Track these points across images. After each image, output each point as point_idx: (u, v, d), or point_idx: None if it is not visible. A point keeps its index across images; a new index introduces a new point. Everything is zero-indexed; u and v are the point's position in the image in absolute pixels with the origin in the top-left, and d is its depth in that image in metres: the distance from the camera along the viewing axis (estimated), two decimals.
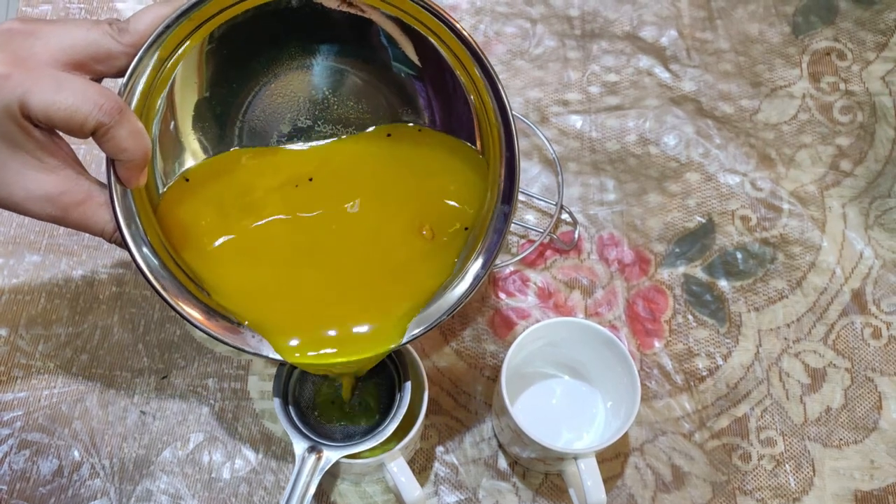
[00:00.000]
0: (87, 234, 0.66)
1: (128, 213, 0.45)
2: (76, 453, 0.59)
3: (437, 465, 0.60)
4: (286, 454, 0.59)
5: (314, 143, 0.52)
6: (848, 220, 0.69)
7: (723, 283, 0.67)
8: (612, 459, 0.60)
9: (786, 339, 0.64)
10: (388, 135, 0.52)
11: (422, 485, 0.59)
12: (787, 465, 0.60)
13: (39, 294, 0.65)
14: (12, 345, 0.63)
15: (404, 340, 0.49)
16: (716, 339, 0.64)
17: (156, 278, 0.46)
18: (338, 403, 0.55)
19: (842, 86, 0.75)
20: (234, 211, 0.51)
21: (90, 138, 0.42)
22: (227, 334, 0.48)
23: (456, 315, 0.63)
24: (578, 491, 0.53)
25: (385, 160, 0.52)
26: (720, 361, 0.64)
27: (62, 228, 0.67)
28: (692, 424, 0.61)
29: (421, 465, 0.60)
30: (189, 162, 0.50)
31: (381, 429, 0.51)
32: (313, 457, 0.49)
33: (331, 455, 0.49)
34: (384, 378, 0.54)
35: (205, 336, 0.63)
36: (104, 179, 0.44)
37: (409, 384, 0.52)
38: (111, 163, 0.43)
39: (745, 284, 0.67)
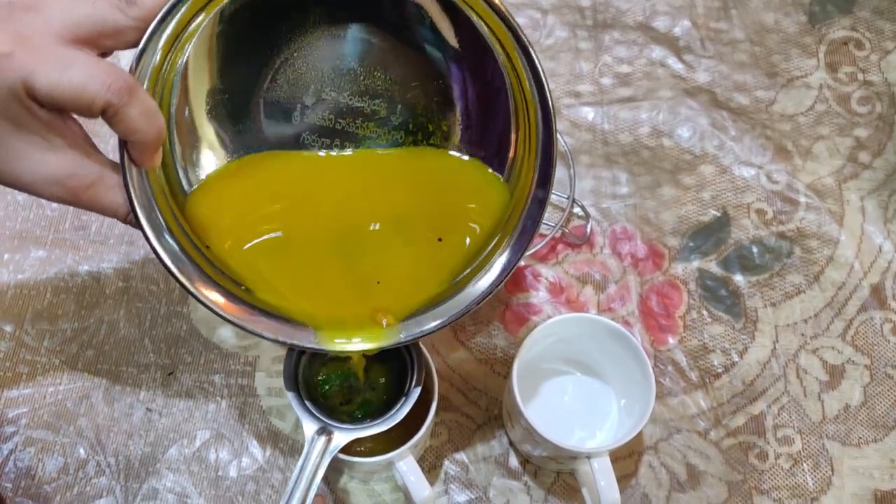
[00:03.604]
0: (93, 229, 0.66)
1: (143, 194, 0.43)
2: (82, 451, 0.58)
3: (446, 463, 0.59)
4: (294, 452, 0.59)
5: (342, 152, 0.49)
6: (866, 213, 0.68)
7: (738, 278, 0.65)
8: (626, 458, 0.59)
9: (803, 335, 0.63)
10: (413, 152, 0.50)
11: (431, 483, 0.58)
12: (804, 464, 0.59)
13: (45, 289, 0.64)
14: (18, 340, 0.62)
15: (430, 328, 0.48)
16: (731, 335, 0.63)
17: (173, 262, 0.44)
18: (349, 387, 0.53)
19: (860, 76, 0.74)
20: (264, 213, 0.49)
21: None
22: (246, 318, 0.47)
23: None
24: (591, 490, 0.52)
25: (409, 176, 0.50)
26: (736, 358, 0.62)
27: (67, 223, 0.66)
28: (707, 422, 0.60)
29: (430, 464, 0.59)
30: (208, 150, 0.48)
31: (392, 412, 0.49)
32: (323, 439, 0.47)
33: (341, 437, 0.48)
34: (396, 363, 0.53)
35: (211, 331, 0.62)
36: (117, 158, 0.43)
37: (421, 368, 0.50)
38: (124, 143, 0.42)
39: (762, 279, 0.65)
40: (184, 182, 0.48)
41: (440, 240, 0.49)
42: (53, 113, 0.41)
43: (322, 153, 0.49)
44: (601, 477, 0.51)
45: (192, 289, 0.45)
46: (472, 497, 0.58)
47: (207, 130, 0.48)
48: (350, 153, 0.49)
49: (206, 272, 0.46)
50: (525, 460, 0.59)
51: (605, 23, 0.76)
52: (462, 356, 0.62)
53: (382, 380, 0.54)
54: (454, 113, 0.49)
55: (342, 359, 0.53)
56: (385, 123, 0.49)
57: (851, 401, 0.61)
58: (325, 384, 0.54)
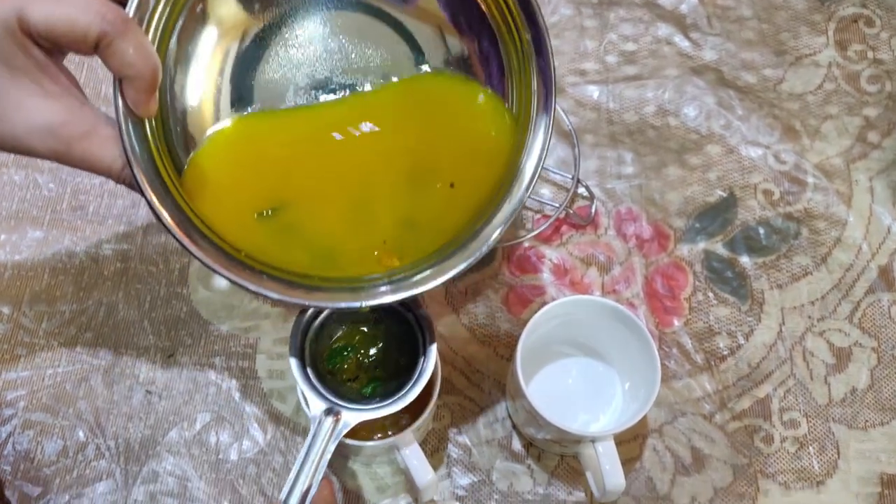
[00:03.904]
0: (91, 209, 0.65)
1: (138, 149, 0.42)
2: (81, 434, 0.58)
3: (450, 446, 0.58)
4: (295, 435, 0.58)
5: (335, 97, 0.48)
6: (875, 193, 0.67)
7: (744, 260, 0.64)
8: (630, 441, 0.58)
9: (810, 317, 0.62)
10: (409, 85, 0.49)
11: (434, 466, 0.57)
12: (810, 448, 0.58)
13: (43, 270, 0.63)
14: (15, 322, 0.61)
15: (462, 268, 0.46)
16: (737, 318, 0.62)
17: (170, 217, 0.43)
18: (357, 363, 0.52)
19: (870, 54, 0.72)
20: (266, 174, 0.47)
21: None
22: (248, 277, 0.44)
23: (469, 292, 0.62)
24: (596, 474, 0.52)
25: (409, 113, 0.49)
26: (742, 340, 0.62)
27: (65, 203, 0.66)
28: (713, 405, 0.59)
29: (433, 447, 0.58)
30: (207, 120, 0.47)
31: (403, 393, 0.47)
32: (330, 419, 0.45)
33: (349, 418, 0.45)
34: (407, 341, 0.50)
35: (211, 313, 0.62)
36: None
37: (434, 348, 0.48)
38: (119, 86, 0.41)
39: (768, 261, 0.64)
40: (180, 150, 0.46)
41: (452, 185, 0.48)
42: (47, 55, 0.40)
43: (321, 98, 0.48)
44: (605, 461, 0.50)
45: (193, 249, 0.43)
46: (475, 480, 0.57)
47: (204, 92, 0.46)
48: (348, 97, 0.48)
49: (202, 231, 0.44)
50: (528, 443, 0.58)
51: (610, 0, 0.74)
52: (465, 339, 0.61)
53: (395, 353, 0.52)
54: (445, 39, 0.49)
55: (352, 332, 0.52)
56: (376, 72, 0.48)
57: (858, 384, 0.60)
58: (333, 359, 0.52)
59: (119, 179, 0.43)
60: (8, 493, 0.56)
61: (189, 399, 0.59)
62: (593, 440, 0.51)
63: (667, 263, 0.64)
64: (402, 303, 0.49)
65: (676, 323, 0.62)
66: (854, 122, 0.69)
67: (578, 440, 0.52)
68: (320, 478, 0.43)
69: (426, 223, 0.48)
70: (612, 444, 0.51)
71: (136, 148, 0.42)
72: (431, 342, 0.48)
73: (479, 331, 0.62)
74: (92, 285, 0.63)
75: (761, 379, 0.60)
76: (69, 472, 0.57)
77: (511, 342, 0.61)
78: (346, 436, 0.51)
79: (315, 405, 0.46)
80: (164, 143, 0.45)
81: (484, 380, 0.60)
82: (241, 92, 0.47)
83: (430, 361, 0.48)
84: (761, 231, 0.65)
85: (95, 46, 0.39)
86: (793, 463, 0.58)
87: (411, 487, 0.54)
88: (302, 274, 0.47)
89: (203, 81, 0.46)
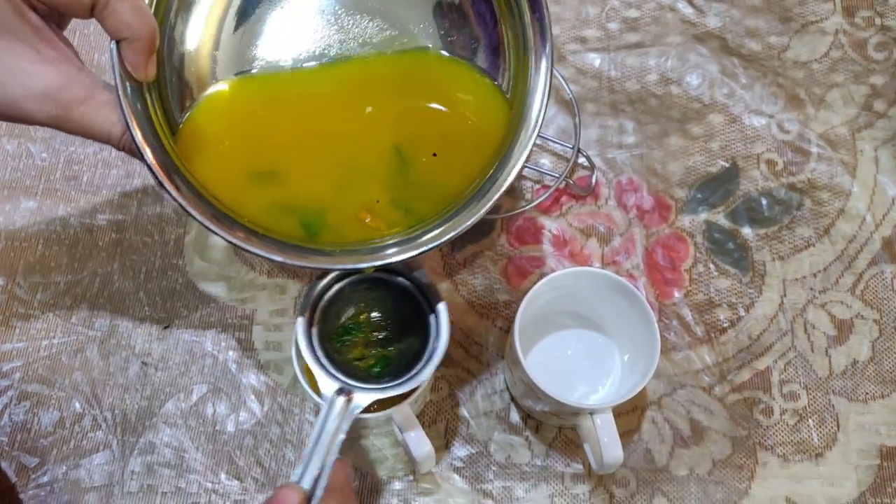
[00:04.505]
0: (85, 179, 0.64)
1: (137, 112, 0.41)
2: (77, 405, 0.58)
3: (447, 418, 0.58)
4: (292, 406, 0.58)
5: (330, 62, 0.48)
6: (880, 163, 0.66)
7: (746, 231, 0.64)
8: (629, 413, 0.58)
9: (812, 289, 0.62)
10: (404, 57, 0.49)
11: (432, 438, 0.57)
12: (810, 420, 0.58)
13: (37, 241, 0.63)
14: (10, 293, 0.61)
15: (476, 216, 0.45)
16: (738, 289, 0.62)
17: (171, 182, 0.42)
18: (365, 342, 0.51)
19: (877, 20, 0.71)
20: (258, 138, 0.47)
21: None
22: (246, 239, 0.43)
23: (467, 263, 0.61)
24: (594, 446, 0.52)
25: (402, 81, 0.49)
26: (742, 312, 0.61)
27: (58, 173, 0.65)
28: (712, 377, 0.59)
29: (431, 419, 0.58)
30: (202, 83, 0.46)
31: (415, 373, 0.46)
32: (342, 399, 0.44)
33: (361, 398, 0.45)
34: (415, 320, 0.49)
35: (208, 284, 0.61)
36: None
37: (445, 326, 0.47)
38: (117, 48, 0.40)
39: (770, 232, 0.64)
40: (176, 113, 0.45)
41: (434, 155, 0.47)
42: (45, 19, 0.39)
43: (315, 64, 0.47)
44: (604, 433, 0.50)
45: (196, 214, 0.42)
46: (473, 452, 0.57)
47: (200, 54, 0.46)
48: (342, 63, 0.47)
49: (208, 199, 0.44)
50: (526, 415, 0.58)
51: None
52: (463, 310, 0.61)
53: (405, 331, 0.51)
54: (439, 18, 0.48)
55: (359, 311, 0.51)
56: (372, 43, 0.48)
57: (859, 356, 0.60)
58: (341, 339, 0.51)
59: (119, 145, 0.42)
60: (4, 463, 0.56)
61: (185, 370, 0.59)
62: (591, 412, 0.51)
63: (668, 234, 0.63)
64: (409, 276, 0.48)
65: (677, 294, 0.61)
66: (860, 90, 0.68)
67: (576, 412, 0.52)
68: (333, 459, 0.42)
69: (421, 187, 0.47)
70: (610, 417, 0.51)
71: (136, 113, 0.41)
72: (442, 322, 0.47)
73: (478, 302, 0.61)
74: (86, 256, 0.62)
75: (761, 351, 0.60)
76: (66, 442, 0.57)
77: (509, 314, 0.60)
78: None
79: (326, 385, 0.45)
80: (161, 108, 0.44)
81: (482, 352, 0.60)
82: (238, 54, 0.47)
83: (442, 342, 0.47)
84: (764, 202, 0.64)
85: (92, 8, 0.38)
86: (792, 435, 0.57)
87: (409, 459, 0.54)
88: (304, 239, 0.46)
89: (199, 43, 0.46)
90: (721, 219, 0.64)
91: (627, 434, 0.57)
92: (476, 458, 0.57)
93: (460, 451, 0.57)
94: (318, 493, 0.41)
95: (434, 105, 0.48)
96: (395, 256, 0.45)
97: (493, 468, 0.56)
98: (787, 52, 0.70)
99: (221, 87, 0.46)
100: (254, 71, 0.47)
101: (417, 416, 0.52)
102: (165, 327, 0.60)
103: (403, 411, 0.51)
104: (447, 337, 0.47)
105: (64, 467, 0.56)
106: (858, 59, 0.69)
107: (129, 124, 0.41)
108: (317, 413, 0.57)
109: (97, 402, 0.58)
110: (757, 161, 0.66)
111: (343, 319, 0.51)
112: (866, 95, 0.68)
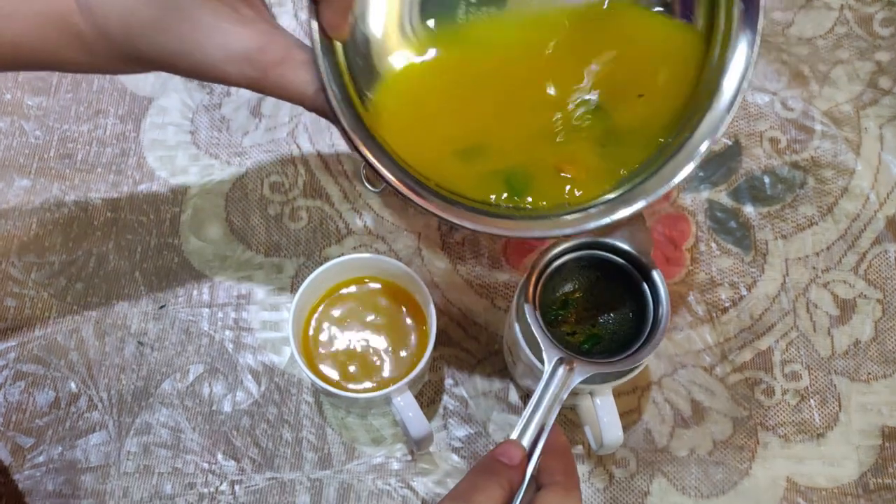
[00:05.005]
0: (79, 157, 0.63)
1: (333, 75, 0.40)
2: (73, 385, 0.57)
3: (445, 398, 0.57)
4: (289, 386, 0.57)
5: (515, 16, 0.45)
6: (885, 141, 0.65)
7: (749, 209, 0.63)
8: (629, 394, 0.57)
9: (814, 268, 0.61)
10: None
11: (430, 418, 0.57)
12: (811, 400, 0.57)
13: (31, 220, 0.62)
14: (4, 273, 0.60)
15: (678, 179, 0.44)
16: (740, 269, 0.61)
17: (364, 145, 0.41)
18: (577, 320, 0.51)
19: None
20: (460, 106, 0.46)
21: None
22: (440, 205, 0.42)
23: (466, 242, 0.61)
24: (594, 427, 0.51)
25: (593, 34, 0.46)
26: (744, 292, 0.60)
27: (52, 151, 0.64)
28: (713, 357, 0.58)
29: (429, 398, 0.57)
30: (390, 46, 0.44)
31: (635, 350, 0.46)
32: (563, 369, 0.44)
33: (583, 370, 0.45)
34: (632, 294, 0.49)
35: (204, 264, 0.60)
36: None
37: (665, 304, 0.47)
38: (315, 8, 0.39)
39: (773, 210, 0.63)
40: (362, 79, 0.43)
41: (641, 96, 0.45)
42: None
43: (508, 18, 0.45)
44: (604, 414, 0.50)
45: (390, 177, 0.41)
46: (472, 432, 0.57)
47: (388, 16, 0.44)
48: (530, 20, 0.45)
49: (399, 163, 0.43)
50: (525, 395, 0.57)
51: None
52: (462, 290, 0.60)
53: (624, 307, 0.51)
54: None
55: (574, 289, 0.51)
56: None
57: (862, 336, 0.59)
58: (558, 312, 0.51)
59: (311, 106, 0.41)
60: (0, 443, 0.55)
61: (181, 350, 0.58)
62: (591, 393, 0.50)
63: (669, 213, 0.63)
64: (624, 253, 0.48)
65: (678, 274, 0.61)
66: (865, 67, 0.67)
67: (576, 392, 0.51)
68: (552, 423, 0.43)
69: (623, 137, 0.46)
70: (610, 398, 0.50)
71: (332, 75, 0.40)
72: (660, 301, 0.47)
73: (476, 282, 0.60)
74: (81, 235, 0.62)
75: (763, 331, 0.59)
76: (62, 423, 0.56)
77: (508, 293, 0.60)
78: (338, 388, 0.50)
79: (550, 354, 0.45)
80: (350, 70, 0.43)
81: (481, 332, 0.59)
82: (427, 15, 0.45)
83: (663, 320, 0.46)
84: (766, 180, 0.64)
85: None
86: (793, 415, 0.57)
87: (408, 440, 0.53)
88: (495, 204, 0.45)
89: (387, 6, 0.44)
90: (723, 197, 0.63)
91: (628, 414, 0.57)
92: (475, 437, 0.56)
93: (459, 431, 0.57)
94: (537, 452, 0.41)
95: (628, 47, 0.46)
96: (598, 218, 0.44)
97: (492, 448, 0.56)
98: (792, 27, 0.69)
99: (412, 58, 0.44)
100: (443, 31, 0.45)
101: (416, 397, 0.51)
102: (161, 307, 0.60)
103: (402, 391, 0.50)
104: (667, 305, 0.47)
105: (60, 448, 0.56)
106: (864, 35, 0.68)
107: (327, 88, 0.40)
108: (315, 392, 0.57)
109: (93, 383, 0.57)
110: (760, 139, 0.65)
111: (558, 294, 0.51)
112: (871, 72, 0.67)
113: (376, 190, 0.63)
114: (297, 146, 0.65)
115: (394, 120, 0.43)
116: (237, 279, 0.60)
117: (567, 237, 0.48)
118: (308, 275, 0.52)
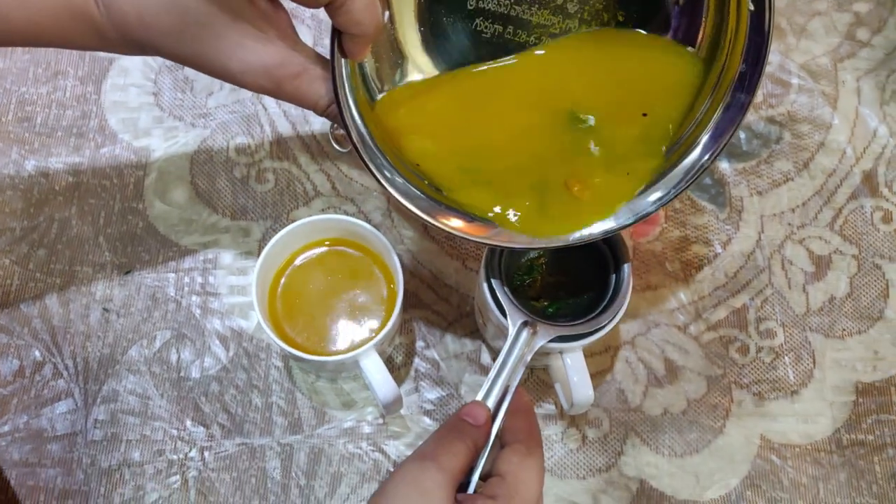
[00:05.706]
0: (39, 121, 0.62)
1: (347, 93, 0.42)
2: (37, 353, 0.56)
3: (417, 360, 0.57)
4: (258, 351, 0.56)
5: (526, 51, 0.47)
6: (862, 94, 0.64)
7: (724, 166, 0.62)
8: (602, 353, 0.57)
9: (790, 224, 0.60)
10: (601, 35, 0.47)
11: (401, 381, 0.56)
12: (786, 358, 0.57)
13: None
14: None
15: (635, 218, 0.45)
16: (715, 226, 0.60)
17: (368, 156, 0.43)
18: (543, 283, 0.51)
19: None
20: (461, 115, 0.47)
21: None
22: (436, 210, 0.45)
23: None
24: (564, 386, 0.51)
25: (595, 62, 0.48)
26: (719, 249, 0.60)
27: (10, 115, 0.62)
28: (687, 316, 0.58)
29: (401, 361, 0.57)
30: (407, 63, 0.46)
31: (596, 313, 0.47)
32: (527, 332, 0.45)
33: (546, 332, 0.46)
34: (595, 260, 0.50)
35: (169, 228, 0.59)
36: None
37: (627, 266, 0.48)
38: (337, 34, 0.40)
39: (748, 166, 0.62)
40: (375, 81, 0.46)
41: (645, 115, 0.46)
42: (271, 4, 0.41)
43: (508, 61, 0.47)
44: (574, 373, 0.49)
45: (382, 179, 0.43)
46: (444, 394, 0.56)
47: (402, 35, 0.46)
48: (540, 53, 0.47)
49: (401, 172, 0.45)
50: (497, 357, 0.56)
51: None
52: (432, 251, 0.59)
53: (584, 271, 0.51)
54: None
55: (540, 253, 0.52)
56: (559, 12, 0.46)
57: (837, 292, 0.59)
58: (523, 276, 0.51)
59: (322, 114, 0.43)
60: None
61: (148, 316, 0.57)
62: (562, 352, 0.50)
63: None
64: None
65: (652, 232, 0.60)
66: (843, 18, 0.66)
67: (547, 352, 0.51)
68: (516, 384, 0.43)
69: (629, 148, 0.47)
70: (580, 356, 0.49)
71: (344, 89, 0.42)
72: (624, 262, 0.48)
73: (447, 243, 0.59)
74: (43, 201, 0.60)
75: (738, 289, 0.59)
76: (27, 391, 0.55)
77: (480, 255, 0.59)
78: (306, 352, 0.49)
79: (514, 317, 0.46)
80: (364, 83, 0.45)
81: (452, 294, 0.58)
82: (437, 33, 0.46)
83: (625, 283, 0.48)
84: (742, 136, 0.63)
85: (326, 3, 0.38)
86: (768, 373, 0.57)
87: (377, 403, 0.53)
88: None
89: (402, 25, 0.46)
90: None
91: (600, 374, 0.56)
92: (447, 400, 0.56)
93: (430, 393, 0.56)
94: (501, 412, 0.42)
95: (629, 68, 0.47)
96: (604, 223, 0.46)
97: None
98: None
99: (420, 75, 0.46)
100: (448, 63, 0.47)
101: (387, 360, 0.50)
102: (126, 273, 0.58)
103: (368, 353, 0.49)
104: (629, 292, 0.48)
105: (25, 417, 0.55)
106: None
107: (339, 100, 0.41)
108: (284, 357, 0.56)
109: (58, 350, 0.56)
110: None
111: (524, 260, 0.52)
112: (849, 24, 0.66)
113: (345, 150, 0.61)
114: (263, 106, 0.63)
115: (403, 132, 0.46)
116: (203, 243, 0.59)
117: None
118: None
